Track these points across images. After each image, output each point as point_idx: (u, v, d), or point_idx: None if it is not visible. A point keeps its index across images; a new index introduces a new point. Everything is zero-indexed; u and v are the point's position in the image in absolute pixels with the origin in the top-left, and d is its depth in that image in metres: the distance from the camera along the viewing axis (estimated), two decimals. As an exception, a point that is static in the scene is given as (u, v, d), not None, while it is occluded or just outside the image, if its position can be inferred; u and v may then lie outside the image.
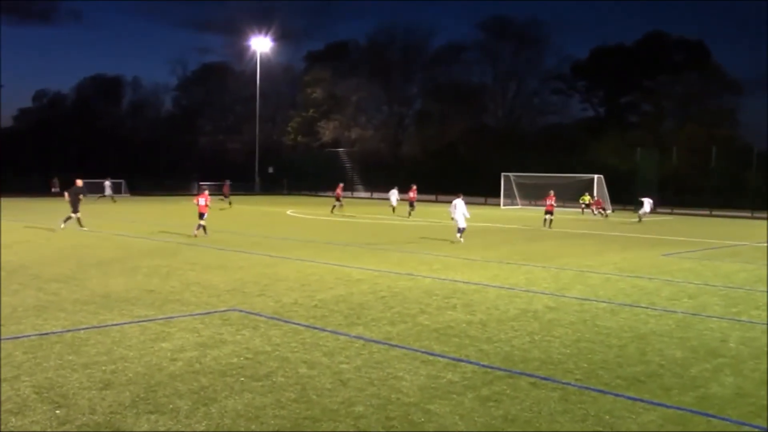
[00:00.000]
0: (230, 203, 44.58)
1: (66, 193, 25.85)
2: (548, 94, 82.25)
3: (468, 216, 23.99)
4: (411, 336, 9.86)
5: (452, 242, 23.24)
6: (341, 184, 44.02)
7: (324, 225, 31.20)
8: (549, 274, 16.47)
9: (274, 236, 24.74)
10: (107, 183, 52.32)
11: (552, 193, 32.59)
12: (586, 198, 45.25)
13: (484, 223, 33.71)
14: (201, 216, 23.58)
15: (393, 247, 21.79)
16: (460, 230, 23.56)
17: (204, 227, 23.55)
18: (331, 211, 39.56)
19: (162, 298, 12.33)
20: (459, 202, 23.72)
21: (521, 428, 6.46)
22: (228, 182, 48.12)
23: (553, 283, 15.09)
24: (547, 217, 31.92)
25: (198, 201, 23.85)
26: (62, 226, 24.94)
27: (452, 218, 23.99)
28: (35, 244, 21.07)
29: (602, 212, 36.39)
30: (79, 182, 26.00)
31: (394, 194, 40.90)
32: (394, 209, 39.96)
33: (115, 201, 49.33)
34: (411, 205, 38.42)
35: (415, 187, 39.36)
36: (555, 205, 32.72)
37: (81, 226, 25.06)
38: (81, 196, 25.40)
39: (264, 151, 75.46)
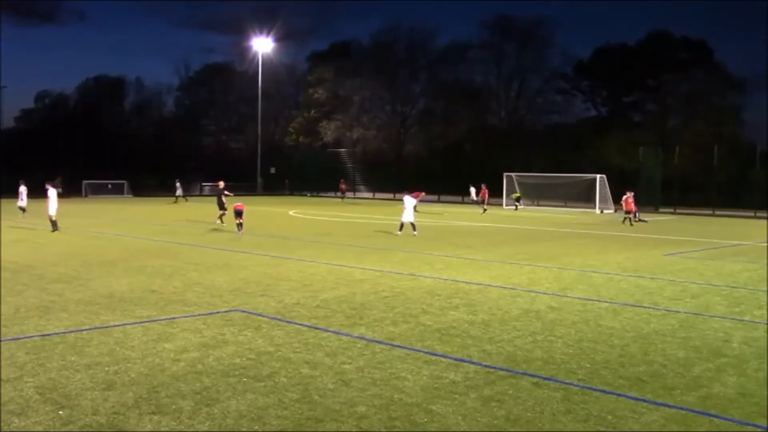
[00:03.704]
0: (343, 199, 50.06)
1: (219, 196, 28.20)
2: (552, 94, 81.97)
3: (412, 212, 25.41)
4: (413, 336, 9.86)
5: (396, 235, 24.70)
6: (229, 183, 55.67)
7: (326, 225, 31.19)
8: (551, 274, 16.46)
9: (276, 236, 24.75)
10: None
11: (629, 194, 34.33)
12: (517, 194, 47.11)
13: (486, 223, 33.70)
14: (239, 214, 25.29)
15: (395, 246, 21.78)
16: (404, 225, 24.82)
17: (240, 224, 25.25)
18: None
19: (165, 299, 12.35)
20: (408, 199, 25.35)
21: (523, 428, 6.46)
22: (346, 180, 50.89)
23: (555, 283, 15.08)
24: (628, 216, 33.78)
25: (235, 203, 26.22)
26: (218, 222, 27.15)
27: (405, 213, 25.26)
28: (40, 244, 21.12)
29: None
30: (221, 183, 28.48)
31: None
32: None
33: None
34: (342, 196, 52.69)
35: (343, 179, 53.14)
36: (633, 203, 34.22)
37: (221, 222, 27.23)
38: (224, 197, 27.53)
39: (266, 151, 75.38)
